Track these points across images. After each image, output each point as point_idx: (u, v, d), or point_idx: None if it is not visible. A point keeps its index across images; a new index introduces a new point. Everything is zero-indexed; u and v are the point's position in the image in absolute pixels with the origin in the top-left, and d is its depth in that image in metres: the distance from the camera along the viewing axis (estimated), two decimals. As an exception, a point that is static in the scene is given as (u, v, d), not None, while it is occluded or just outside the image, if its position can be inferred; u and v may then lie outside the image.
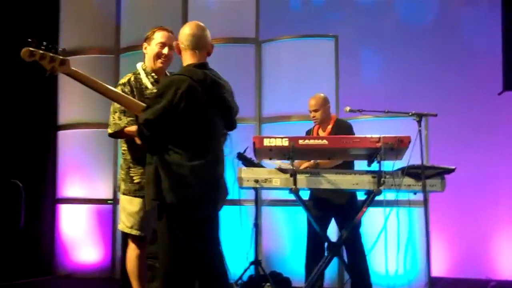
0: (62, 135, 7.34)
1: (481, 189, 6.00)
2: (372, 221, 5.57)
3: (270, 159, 4.78)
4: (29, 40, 3.24)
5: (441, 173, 4.50)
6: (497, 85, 6.22)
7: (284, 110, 6.34)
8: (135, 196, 3.78)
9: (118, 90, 3.69)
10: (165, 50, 3.85)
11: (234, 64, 6.42)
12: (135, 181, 3.79)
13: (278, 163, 4.75)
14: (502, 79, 6.17)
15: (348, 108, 4.74)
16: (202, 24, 3.39)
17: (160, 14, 6.95)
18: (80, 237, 7.05)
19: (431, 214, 5.63)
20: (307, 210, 4.78)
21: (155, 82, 3.86)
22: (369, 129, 5.25)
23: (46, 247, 7.13)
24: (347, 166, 5.10)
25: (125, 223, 3.84)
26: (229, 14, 6.80)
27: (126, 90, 3.76)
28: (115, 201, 6.93)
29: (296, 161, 4.87)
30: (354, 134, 5.30)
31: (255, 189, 5.23)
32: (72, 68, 3.44)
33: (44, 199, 7.23)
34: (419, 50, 6.45)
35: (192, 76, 3.20)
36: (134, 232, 3.84)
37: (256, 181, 4.57)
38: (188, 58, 3.34)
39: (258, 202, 5.92)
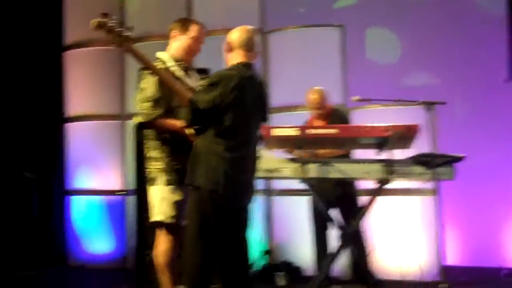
0: (71, 127, 7.32)
1: (492, 177, 5.91)
2: (382, 211, 5.56)
3: (279, 148, 4.80)
4: (102, 13, 3.35)
5: (451, 161, 4.44)
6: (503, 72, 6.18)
7: (291, 100, 6.30)
8: (178, 185, 3.70)
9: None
10: (199, 47, 3.88)
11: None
12: (178, 169, 3.70)
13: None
14: (507, 67, 6.15)
15: (356, 98, 4.66)
16: (255, 28, 3.61)
17: (164, 6, 6.95)
18: (92, 228, 7.05)
19: (442, 203, 5.59)
20: (317, 199, 4.78)
21: (185, 71, 3.83)
22: (378, 118, 5.22)
23: (58, 238, 7.12)
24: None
25: (168, 213, 3.71)
26: (232, 4, 6.75)
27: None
28: (126, 192, 6.91)
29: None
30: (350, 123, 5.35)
31: (266, 179, 5.18)
32: (133, 46, 3.51)
33: (54, 190, 7.23)
34: (426, 33, 6.34)
35: (242, 73, 3.39)
36: (178, 222, 3.72)
37: (267, 171, 4.52)
38: (237, 57, 3.51)
39: (269, 192, 5.87)
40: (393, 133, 4.32)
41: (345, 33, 6.36)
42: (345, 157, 5.07)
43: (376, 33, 6.47)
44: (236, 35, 3.53)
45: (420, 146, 4.43)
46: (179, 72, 3.78)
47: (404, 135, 4.36)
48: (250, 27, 3.58)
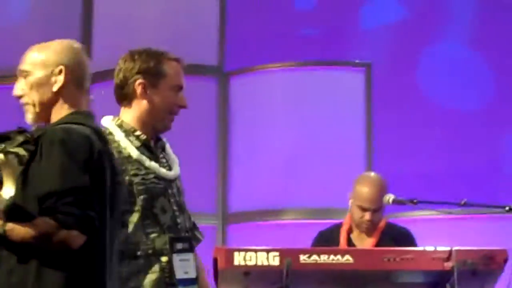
0: None
1: None
2: None
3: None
4: None
5: None
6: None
7: (268, 200, 6.34)
8: None
9: None
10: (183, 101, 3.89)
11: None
12: None
13: None
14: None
15: (390, 198, 4.62)
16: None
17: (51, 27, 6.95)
18: None
19: None
20: None
21: (145, 148, 3.74)
22: (430, 235, 5.44)
23: None
24: None
25: None
26: (169, 29, 6.92)
27: None
28: None
29: None
30: None
31: None
32: None
33: None
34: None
35: (94, 128, 3.17)
36: None
37: None
38: (69, 100, 3.21)
39: None
40: (459, 264, 4.19)
41: (371, 75, 6.71)
42: None
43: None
44: (52, 57, 3.18)
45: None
46: (130, 149, 3.73)
47: (480, 268, 4.25)
48: (69, 41, 3.27)
